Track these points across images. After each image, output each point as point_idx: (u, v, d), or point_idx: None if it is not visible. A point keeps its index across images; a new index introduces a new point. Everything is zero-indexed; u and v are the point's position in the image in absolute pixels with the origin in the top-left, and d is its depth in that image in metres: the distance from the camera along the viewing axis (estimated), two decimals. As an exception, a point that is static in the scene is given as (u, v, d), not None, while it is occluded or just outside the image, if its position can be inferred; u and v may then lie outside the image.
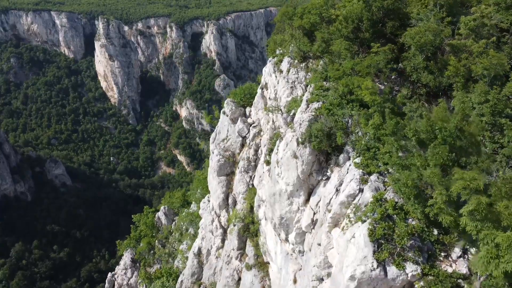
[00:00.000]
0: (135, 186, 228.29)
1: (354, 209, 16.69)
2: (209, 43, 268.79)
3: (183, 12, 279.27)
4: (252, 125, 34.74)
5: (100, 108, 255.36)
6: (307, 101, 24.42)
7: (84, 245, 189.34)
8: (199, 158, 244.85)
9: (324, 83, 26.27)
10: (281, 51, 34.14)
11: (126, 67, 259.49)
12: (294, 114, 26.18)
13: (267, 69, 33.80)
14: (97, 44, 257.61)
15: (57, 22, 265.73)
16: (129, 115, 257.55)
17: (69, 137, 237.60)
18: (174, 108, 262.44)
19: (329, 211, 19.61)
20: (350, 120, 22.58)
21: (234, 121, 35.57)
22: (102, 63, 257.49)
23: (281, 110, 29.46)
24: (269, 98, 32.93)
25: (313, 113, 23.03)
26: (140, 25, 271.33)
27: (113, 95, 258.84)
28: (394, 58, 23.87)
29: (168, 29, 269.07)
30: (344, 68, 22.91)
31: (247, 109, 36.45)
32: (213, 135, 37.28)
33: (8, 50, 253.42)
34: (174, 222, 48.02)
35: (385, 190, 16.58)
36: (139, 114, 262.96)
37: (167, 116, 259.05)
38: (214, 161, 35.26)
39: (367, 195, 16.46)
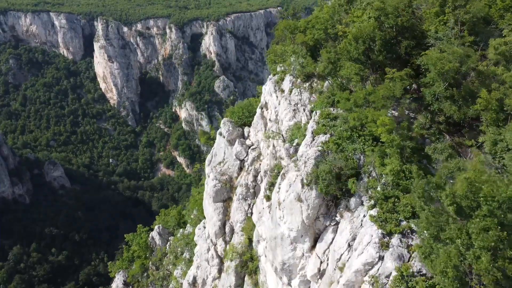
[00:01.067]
0: (134, 188, 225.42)
1: (372, 281, 13.73)
2: (208, 44, 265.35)
3: (183, 13, 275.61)
4: (251, 148, 31.74)
5: (99, 109, 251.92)
6: (312, 132, 21.41)
7: (83, 248, 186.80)
8: (198, 160, 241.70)
9: (331, 109, 23.25)
10: (282, 67, 31.10)
11: (125, 68, 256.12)
12: (298, 144, 23.19)
13: (267, 87, 30.77)
14: (96, 45, 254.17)
15: (56, 23, 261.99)
16: (128, 116, 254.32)
17: (68, 139, 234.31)
18: (173, 110, 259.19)
19: (340, 269, 16.65)
20: (362, 157, 19.59)
21: (231, 142, 32.55)
22: (101, 64, 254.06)
23: (282, 136, 26.46)
24: (270, 119, 29.93)
25: (320, 148, 20.05)
26: (139, 26, 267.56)
27: (112, 96, 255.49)
28: (411, 83, 20.91)
29: (168, 30, 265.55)
30: (356, 97, 19.84)
31: (246, 129, 33.42)
32: (208, 157, 34.22)
33: (7, 51, 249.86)
34: (169, 243, 45.09)
35: (410, 258, 13.63)
36: (139, 115, 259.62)
37: (167, 118, 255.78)
38: (209, 186, 32.25)
39: (389, 266, 13.49)
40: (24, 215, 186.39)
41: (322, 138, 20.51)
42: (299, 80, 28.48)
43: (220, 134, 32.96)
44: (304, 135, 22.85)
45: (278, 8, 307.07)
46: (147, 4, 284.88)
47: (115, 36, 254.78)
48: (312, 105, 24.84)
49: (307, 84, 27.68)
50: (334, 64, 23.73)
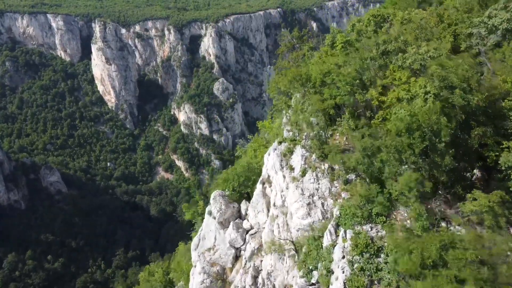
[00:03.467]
0: (132, 193, 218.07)
1: None
2: (207, 46, 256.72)
3: (181, 15, 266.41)
4: (250, 233, 23.72)
5: (97, 112, 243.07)
6: (345, 283, 13.44)
7: (80, 254, 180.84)
8: (197, 164, 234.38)
9: (369, 229, 15.20)
10: (290, 132, 23.01)
11: (123, 71, 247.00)
12: (318, 283, 15.26)
13: (271, 159, 22.67)
14: (93, 47, 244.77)
15: (53, 24, 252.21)
16: (126, 119, 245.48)
17: (65, 142, 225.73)
18: (172, 112, 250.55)
19: None
20: None
21: (224, 224, 24.52)
22: (99, 66, 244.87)
23: (293, 244, 18.47)
24: (274, 204, 21.88)
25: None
26: (137, 28, 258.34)
27: (110, 99, 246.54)
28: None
29: (166, 32, 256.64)
30: (422, 248, 11.73)
31: (243, 205, 25.34)
32: (195, 240, 26.06)
33: (3, 54, 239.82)
34: (153, 311, 37.18)
35: None
36: (137, 118, 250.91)
37: (165, 120, 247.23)
38: (196, 281, 24.25)
39: None
40: (20, 222, 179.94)
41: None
42: (314, 157, 20.46)
43: (210, 213, 24.80)
44: (328, 271, 14.85)
45: (278, 9, 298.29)
46: (146, 5, 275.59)
47: (113, 38, 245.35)
48: (338, 212, 16.77)
49: (326, 165, 19.65)
50: (372, 157, 15.68)
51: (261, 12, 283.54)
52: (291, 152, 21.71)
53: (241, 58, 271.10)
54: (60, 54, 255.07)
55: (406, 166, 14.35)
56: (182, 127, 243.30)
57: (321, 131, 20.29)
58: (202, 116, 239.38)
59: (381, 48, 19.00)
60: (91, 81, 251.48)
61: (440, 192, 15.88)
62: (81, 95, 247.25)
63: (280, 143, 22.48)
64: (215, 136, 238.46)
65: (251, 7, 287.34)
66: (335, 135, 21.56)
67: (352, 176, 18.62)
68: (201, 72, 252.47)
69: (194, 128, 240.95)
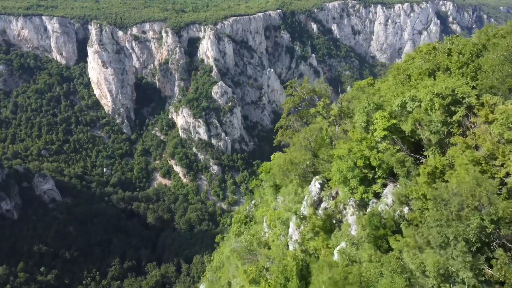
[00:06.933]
0: (128, 200, 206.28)
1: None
2: (206, 48, 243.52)
3: (180, 17, 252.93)
4: None
5: (93, 116, 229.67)
6: None
7: (74, 266, 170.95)
8: (196, 169, 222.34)
9: None
10: None
11: (120, 74, 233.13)
12: None
13: None
14: (90, 51, 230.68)
15: (49, 27, 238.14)
16: (123, 123, 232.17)
17: (60, 148, 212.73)
18: (170, 116, 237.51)
19: None
20: None
21: None
22: (95, 70, 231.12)
23: None
24: None
25: None
26: (135, 30, 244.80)
27: (107, 103, 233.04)
28: None
29: (164, 34, 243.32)
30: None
31: None
32: None
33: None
34: None
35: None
36: (134, 122, 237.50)
37: (163, 125, 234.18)
38: None
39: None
40: (12, 232, 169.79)
41: None
42: None
43: None
44: None
45: (278, 10, 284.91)
46: (143, 7, 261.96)
47: (109, 41, 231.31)
48: None
49: None
50: None
51: (261, 14, 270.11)
52: None
53: (240, 61, 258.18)
54: (56, 57, 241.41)
55: None
56: (180, 132, 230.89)
57: None
58: (200, 120, 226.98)
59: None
60: (87, 84, 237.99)
61: None
62: (77, 99, 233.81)
63: None
64: (213, 141, 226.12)
65: (250, 9, 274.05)
66: None
67: None
68: (199, 76, 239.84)
69: (192, 132, 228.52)
